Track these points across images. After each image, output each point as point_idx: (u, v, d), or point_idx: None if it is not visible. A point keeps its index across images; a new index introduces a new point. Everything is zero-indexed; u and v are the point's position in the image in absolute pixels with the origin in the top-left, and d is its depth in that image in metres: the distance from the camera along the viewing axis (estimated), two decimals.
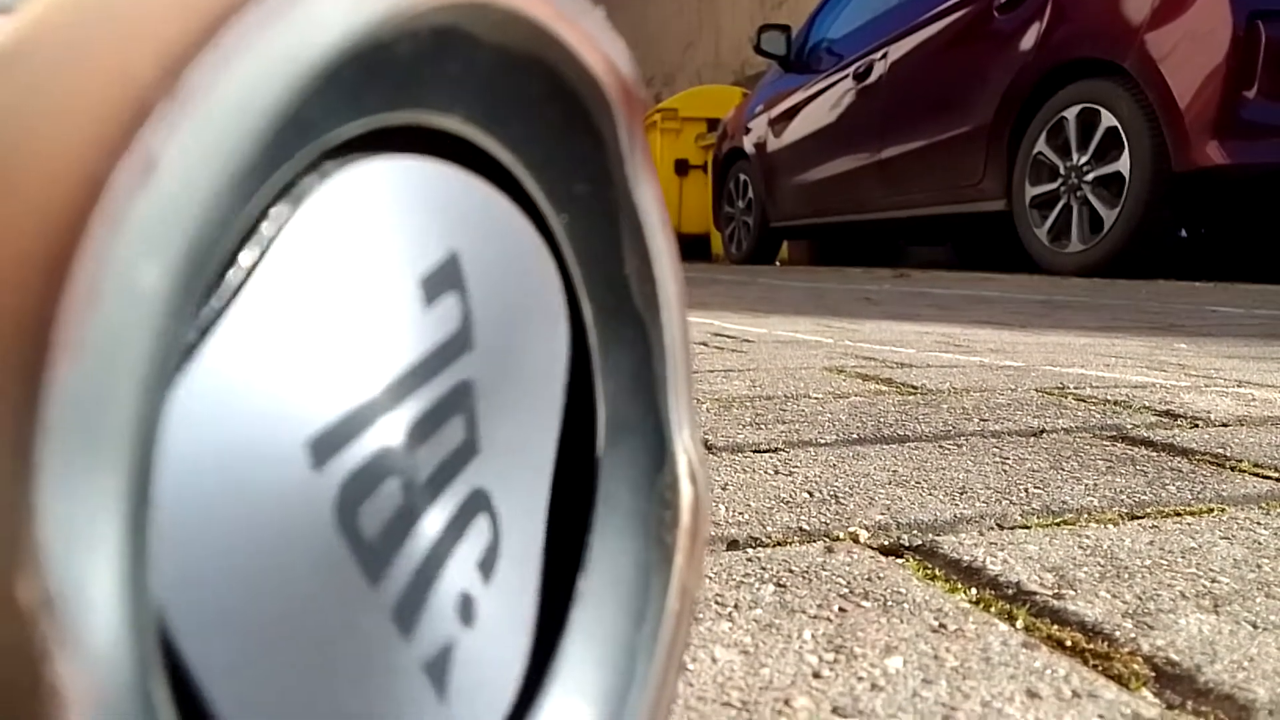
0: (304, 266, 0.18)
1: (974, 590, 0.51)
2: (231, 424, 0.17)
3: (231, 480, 0.17)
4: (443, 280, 0.22)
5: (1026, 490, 0.71)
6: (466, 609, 0.23)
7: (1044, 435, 0.90)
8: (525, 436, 0.26)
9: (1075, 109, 3.24)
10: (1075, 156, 3.23)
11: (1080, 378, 1.24)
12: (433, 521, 0.22)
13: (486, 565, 0.24)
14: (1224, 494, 0.70)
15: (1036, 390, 1.14)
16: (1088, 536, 0.60)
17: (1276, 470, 0.77)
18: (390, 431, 0.21)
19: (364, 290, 0.20)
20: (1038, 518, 0.64)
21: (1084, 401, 1.07)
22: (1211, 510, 0.66)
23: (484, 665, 0.24)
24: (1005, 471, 0.76)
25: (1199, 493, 0.71)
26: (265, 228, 0.18)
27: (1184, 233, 3.36)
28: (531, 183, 0.25)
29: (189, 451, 0.16)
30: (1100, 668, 0.43)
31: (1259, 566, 0.55)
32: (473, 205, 0.23)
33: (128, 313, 0.12)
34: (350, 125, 0.19)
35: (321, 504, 0.19)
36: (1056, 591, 0.51)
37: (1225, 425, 0.95)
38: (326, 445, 0.19)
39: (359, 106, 0.19)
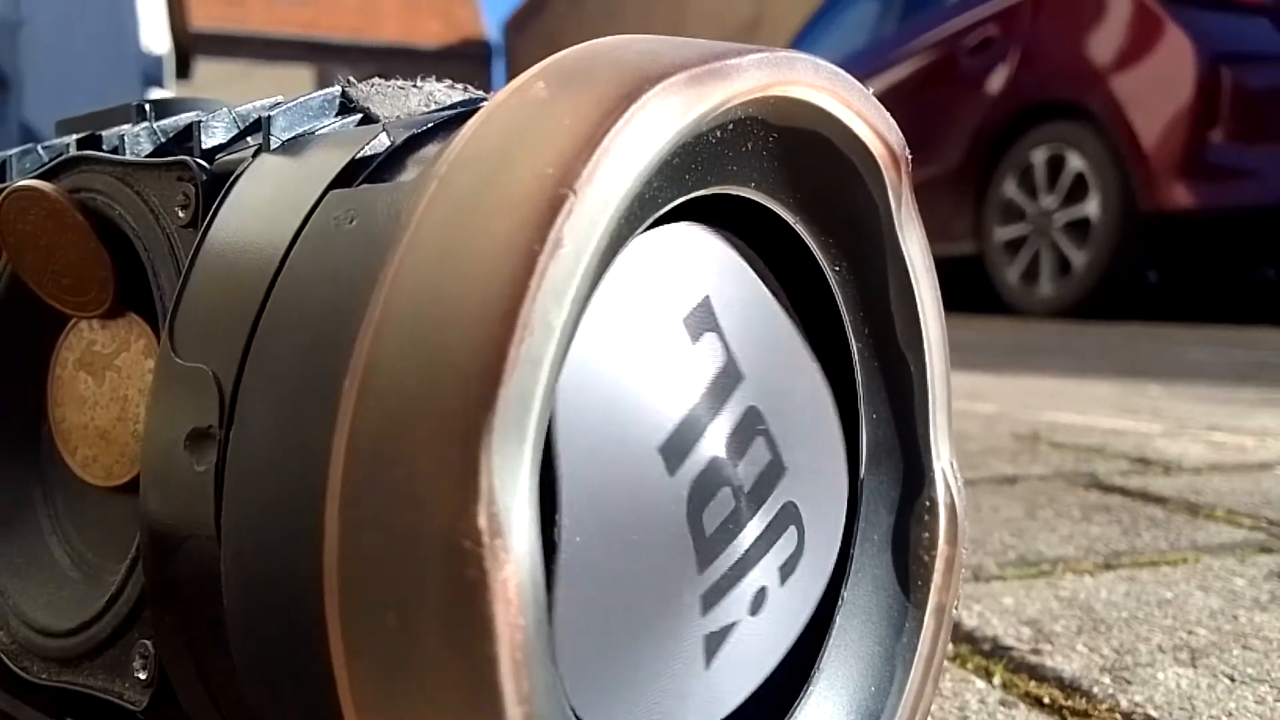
0: (624, 312, 0.24)
1: (950, 645, 0.51)
2: (600, 422, 0.23)
3: (607, 463, 0.23)
4: (700, 320, 0.26)
5: (1002, 540, 0.70)
6: (759, 601, 0.28)
7: (1018, 483, 0.90)
8: (820, 459, 0.30)
9: (1043, 152, 3.27)
10: (1044, 199, 3.26)
11: (1053, 423, 1.24)
12: (754, 527, 0.27)
13: (787, 569, 0.29)
14: (1199, 542, 0.70)
15: (1010, 436, 1.14)
16: (1064, 588, 0.60)
17: (1250, 518, 0.77)
18: (714, 445, 0.26)
19: (656, 327, 0.25)
20: (1014, 569, 0.64)
21: (1057, 447, 1.07)
22: (1187, 559, 0.66)
23: (752, 649, 0.28)
24: (980, 521, 0.75)
25: (1174, 541, 0.70)
26: (606, 281, 0.23)
27: (1153, 276, 3.39)
28: (810, 238, 0.29)
29: (578, 437, 0.22)
30: None
31: (1235, 617, 0.55)
32: (720, 258, 0.28)
33: (542, 342, 0.19)
34: (674, 199, 0.24)
35: (677, 501, 0.25)
36: (1034, 646, 0.50)
37: (1198, 472, 0.95)
38: (673, 453, 0.25)
39: (681, 185, 0.24)
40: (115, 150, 0.32)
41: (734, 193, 0.27)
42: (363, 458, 0.19)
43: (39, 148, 0.36)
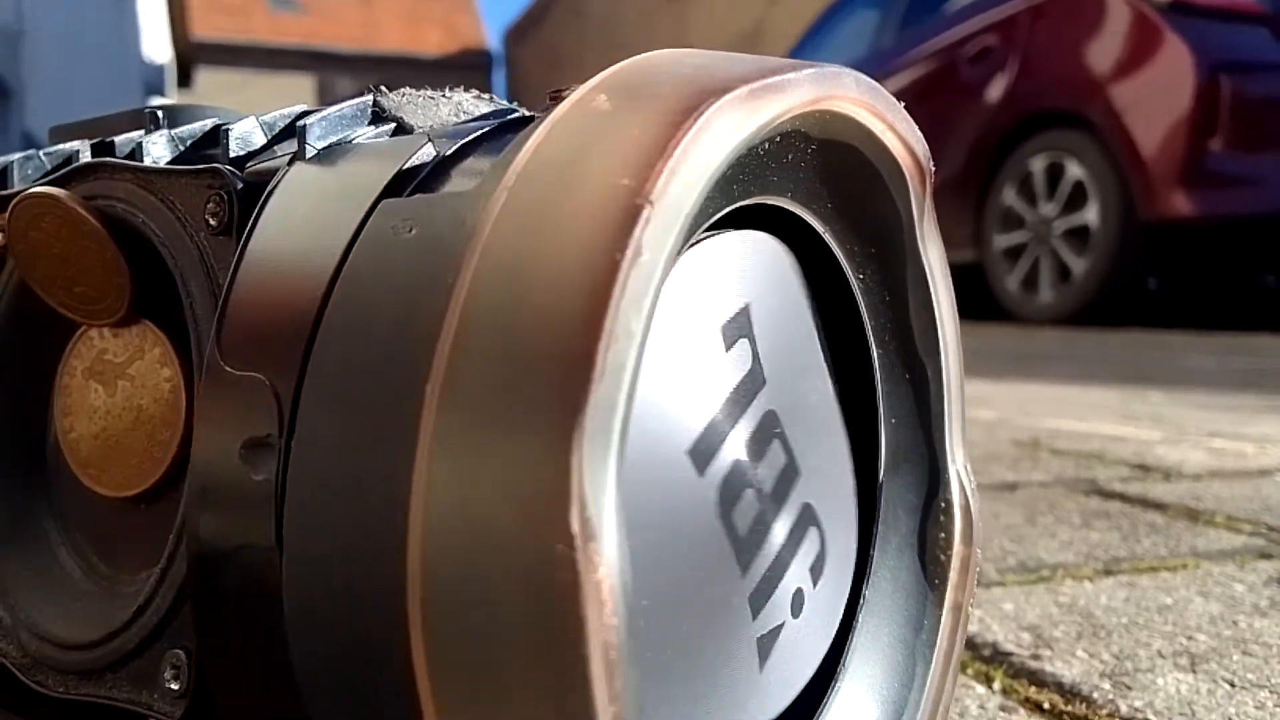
0: (667, 321, 0.24)
1: None
2: (646, 426, 0.23)
3: (651, 465, 0.24)
4: (737, 327, 0.27)
5: (1002, 546, 0.70)
6: (798, 602, 0.29)
7: (1018, 489, 0.90)
8: (831, 462, 0.31)
9: (1042, 160, 3.27)
10: (1043, 207, 3.26)
11: (1054, 430, 1.24)
12: (780, 528, 0.28)
13: (816, 570, 0.30)
14: (1198, 548, 0.70)
15: (1011, 442, 1.14)
16: (1064, 594, 0.60)
17: (1250, 524, 0.77)
18: (736, 448, 0.27)
19: (694, 334, 0.26)
20: (1014, 575, 0.64)
21: (1058, 454, 1.07)
22: (1186, 565, 0.66)
23: (797, 651, 0.29)
24: (981, 526, 0.75)
25: (1174, 547, 0.71)
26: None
27: (1153, 284, 3.39)
28: (836, 247, 0.30)
29: (635, 446, 0.22)
30: None
31: (1235, 623, 0.55)
32: (765, 266, 0.29)
33: (625, 349, 0.19)
34: (723, 209, 0.25)
35: (708, 503, 0.25)
36: (1034, 652, 0.50)
37: (1198, 478, 0.95)
38: (700, 455, 0.25)
39: (729, 195, 0.25)
40: (131, 156, 0.32)
41: (771, 202, 0.27)
42: (448, 465, 0.19)
43: (41, 154, 0.35)
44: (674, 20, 9.94)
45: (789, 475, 0.29)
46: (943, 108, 3.65)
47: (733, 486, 0.26)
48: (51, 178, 0.32)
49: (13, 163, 0.35)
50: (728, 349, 0.27)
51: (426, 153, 0.26)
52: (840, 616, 0.31)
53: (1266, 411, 1.42)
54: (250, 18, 16.85)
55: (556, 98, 0.26)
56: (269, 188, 0.27)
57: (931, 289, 0.32)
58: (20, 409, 0.34)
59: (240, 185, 0.28)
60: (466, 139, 0.27)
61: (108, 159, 0.32)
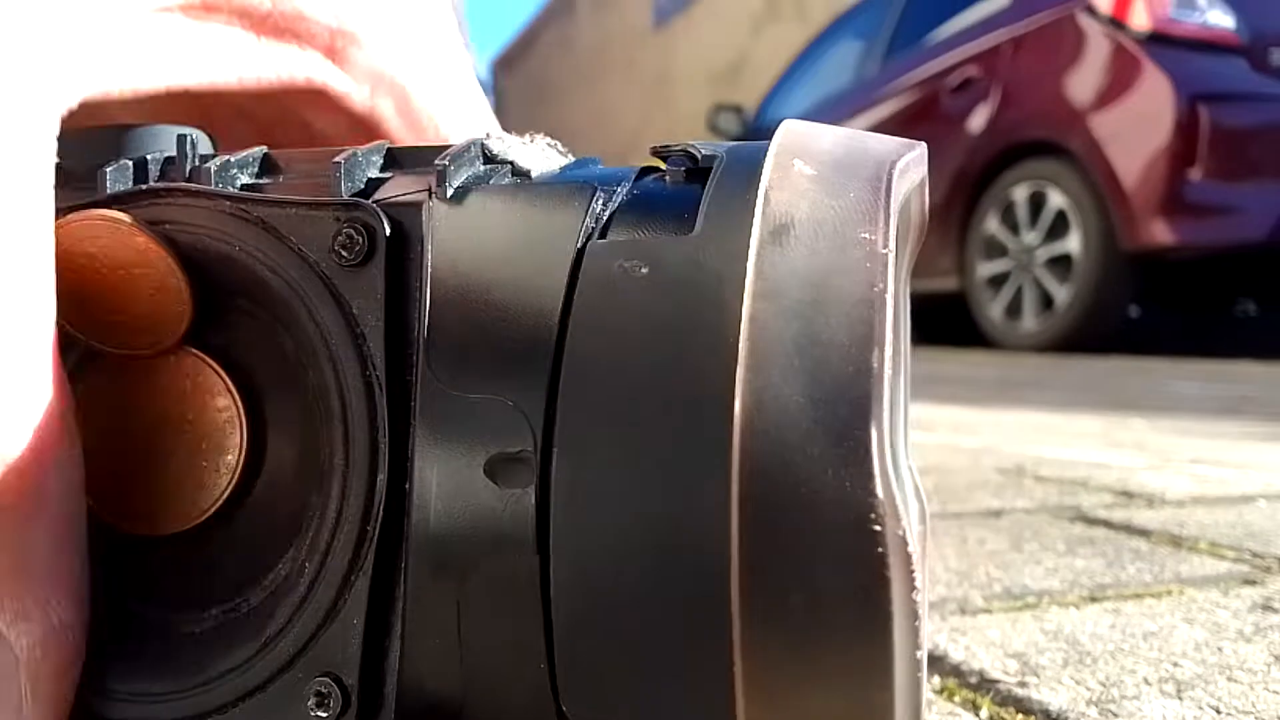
0: None
1: (937, 678, 0.51)
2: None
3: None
4: None
5: (987, 573, 0.70)
6: None
7: (1003, 516, 0.90)
8: None
9: (1024, 189, 3.30)
10: (1025, 235, 3.28)
11: (1038, 457, 1.24)
12: None
13: None
14: (1183, 575, 0.71)
15: (995, 470, 1.14)
16: (1050, 621, 0.60)
17: (1234, 550, 0.78)
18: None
19: None
20: (999, 602, 0.64)
21: (1042, 481, 1.08)
22: (1171, 592, 0.67)
23: None
24: (966, 554, 0.76)
25: (1158, 574, 0.71)
26: None
27: (1135, 311, 3.41)
28: None
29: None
30: None
31: (1220, 649, 0.55)
32: None
33: (884, 364, 0.23)
34: None
35: None
36: (1020, 679, 0.50)
37: (1181, 505, 0.96)
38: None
39: None
40: (169, 178, 0.31)
41: None
42: (760, 465, 0.22)
43: None
44: (660, 52, 10.00)
45: None
46: (926, 137, 3.64)
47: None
48: (96, 200, 0.30)
49: None
50: None
51: (599, 197, 0.28)
52: None
53: (1248, 437, 1.43)
54: None
55: (660, 154, 0.29)
56: (426, 226, 0.28)
57: (906, 317, 0.34)
58: None
59: (387, 222, 0.28)
60: (626, 186, 0.29)
61: (186, 184, 0.30)
